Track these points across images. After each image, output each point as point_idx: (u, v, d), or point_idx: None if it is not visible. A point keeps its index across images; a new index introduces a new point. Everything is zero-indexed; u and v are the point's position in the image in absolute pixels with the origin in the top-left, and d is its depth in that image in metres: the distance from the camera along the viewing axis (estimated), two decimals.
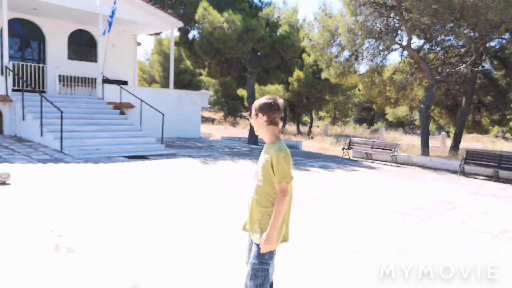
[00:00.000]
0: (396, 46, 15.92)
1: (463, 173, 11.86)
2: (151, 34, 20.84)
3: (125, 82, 17.35)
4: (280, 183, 2.41)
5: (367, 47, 16.06)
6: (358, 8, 14.63)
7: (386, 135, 28.48)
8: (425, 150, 15.11)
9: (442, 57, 17.83)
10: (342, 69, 16.42)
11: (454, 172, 12.21)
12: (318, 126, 38.72)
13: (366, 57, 16.32)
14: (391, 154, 13.57)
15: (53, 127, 11.39)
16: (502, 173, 11.32)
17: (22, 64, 13.95)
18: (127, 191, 7.09)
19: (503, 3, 12.01)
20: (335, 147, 20.10)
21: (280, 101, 2.54)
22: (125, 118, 14.21)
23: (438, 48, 17.67)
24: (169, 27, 17.08)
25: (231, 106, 39.28)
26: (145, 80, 40.17)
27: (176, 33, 18.35)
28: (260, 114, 2.53)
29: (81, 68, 15.97)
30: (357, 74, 17.05)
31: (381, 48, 15.94)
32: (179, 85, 31.48)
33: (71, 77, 15.36)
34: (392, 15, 15.11)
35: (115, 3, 13.29)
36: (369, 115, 45.86)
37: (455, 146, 17.58)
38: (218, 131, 26.69)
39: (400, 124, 39.46)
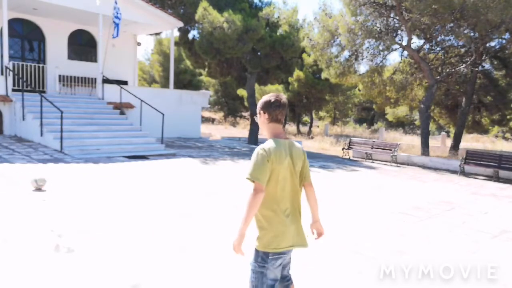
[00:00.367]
0: (396, 46, 15.93)
1: (463, 173, 11.86)
2: (151, 34, 20.84)
3: (125, 82, 17.35)
4: (247, 179, 2.33)
5: (367, 47, 16.07)
6: (358, 8, 14.63)
7: (386, 135, 28.48)
8: (425, 150, 15.11)
9: (442, 57, 17.83)
10: (342, 69, 16.42)
11: (454, 172, 12.21)
12: (318, 126, 38.72)
13: (366, 57, 16.32)
14: (391, 154, 13.57)
15: (53, 127, 11.38)
16: (502, 173, 11.32)
17: (22, 64, 13.95)
18: (127, 191, 7.09)
19: (503, 3, 12.01)
20: (335, 147, 20.09)
21: (282, 98, 2.48)
22: (125, 118, 14.21)
23: (438, 48, 17.67)
24: (169, 27, 17.08)
25: (231, 106, 39.27)
26: (145, 80, 40.17)
27: (176, 33, 18.35)
28: (261, 112, 2.50)
29: (81, 68, 15.96)
30: (357, 74, 17.05)
31: (381, 48, 15.94)
32: (179, 85, 31.47)
33: (71, 77, 15.35)
34: (392, 15, 15.11)
35: (116, 3, 13.30)
36: (369, 115, 45.85)
37: (455, 146, 17.58)
38: (218, 131, 26.68)
39: (400, 124, 39.45)
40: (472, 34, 15.18)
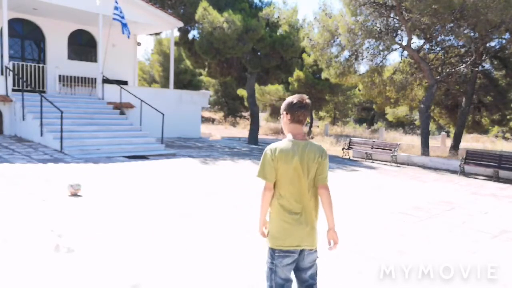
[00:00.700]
0: (396, 46, 15.92)
1: (463, 173, 11.86)
2: (151, 34, 20.84)
3: (125, 82, 17.35)
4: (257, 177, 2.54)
5: (367, 47, 16.06)
6: (358, 8, 14.62)
7: (386, 135, 28.46)
8: (425, 150, 15.10)
9: (442, 57, 17.83)
10: (342, 69, 16.41)
11: (454, 172, 12.20)
12: (318, 126, 38.68)
13: (366, 57, 16.31)
14: (391, 154, 13.57)
15: (53, 127, 11.38)
16: (502, 173, 11.31)
17: (22, 64, 13.94)
18: (127, 191, 7.08)
19: (503, 3, 12.01)
20: (335, 147, 20.09)
21: (304, 99, 2.53)
22: (125, 118, 14.21)
23: (438, 48, 17.66)
24: (169, 27, 17.08)
25: (231, 106, 39.23)
26: (145, 80, 40.15)
27: (176, 33, 18.34)
28: (284, 113, 2.58)
29: (81, 68, 15.96)
30: (357, 74, 17.04)
31: (381, 48, 15.94)
32: (179, 85, 31.45)
33: (71, 77, 15.35)
34: (392, 15, 15.11)
35: (116, 2, 13.30)
36: (369, 115, 45.81)
37: (455, 146, 17.57)
38: (218, 131, 26.67)
39: (400, 124, 39.41)
40: (472, 34, 15.17)
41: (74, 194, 6.44)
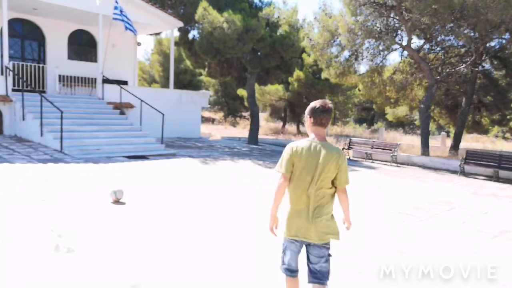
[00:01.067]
0: (396, 46, 15.92)
1: (463, 173, 11.86)
2: (151, 34, 20.84)
3: (125, 82, 17.35)
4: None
5: (367, 47, 16.06)
6: (358, 8, 14.62)
7: (386, 135, 28.46)
8: (425, 150, 15.10)
9: (442, 57, 17.82)
10: (342, 69, 16.41)
11: (454, 172, 12.20)
12: None
13: (366, 57, 16.31)
14: (391, 154, 13.57)
15: (53, 127, 11.38)
16: (502, 173, 11.31)
17: (22, 64, 13.94)
18: (127, 191, 7.08)
19: (503, 3, 12.00)
20: None
21: (327, 104, 2.74)
22: (125, 118, 14.21)
23: (438, 48, 17.66)
24: (169, 27, 17.08)
25: (231, 106, 39.22)
26: (145, 80, 40.15)
27: (176, 33, 18.34)
28: (308, 116, 2.79)
29: (81, 68, 15.96)
30: (357, 74, 17.04)
31: (381, 48, 15.94)
32: (179, 85, 31.45)
33: (71, 77, 15.35)
34: (392, 15, 15.10)
35: (116, 2, 13.29)
36: (369, 115, 45.81)
37: (455, 146, 17.57)
38: (218, 131, 26.67)
39: (400, 124, 39.39)
40: (472, 34, 15.17)
41: (116, 201, 6.15)
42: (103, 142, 11.57)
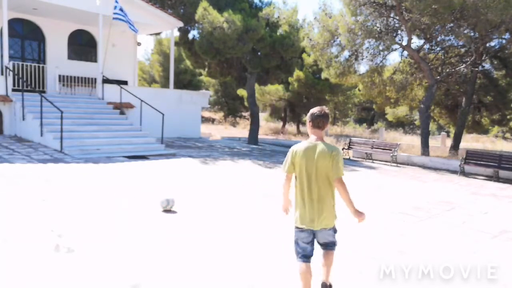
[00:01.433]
0: (396, 46, 15.92)
1: (463, 173, 11.85)
2: (151, 34, 20.83)
3: (125, 82, 17.34)
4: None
5: (367, 47, 16.06)
6: (358, 8, 14.62)
7: (386, 135, 28.46)
8: (425, 150, 15.10)
9: (442, 57, 17.82)
10: (342, 69, 16.41)
11: (454, 172, 12.20)
12: None
13: (366, 57, 16.31)
14: (391, 154, 13.57)
15: (53, 127, 11.38)
16: (502, 173, 11.31)
17: (22, 64, 13.94)
18: (127, 191, 7.08)
19: (503, 3, 12.00)
20: None
21: (323, 110, 3.16)
22: (125, 118, 14.20)
23: (438, 48, 17.66)
24: (169, 27, 17.08)
25: (231, 106, 39.22)
26: (145, 80, 40.15)
27: (176, 33, 18.34)
28: (307, 120, 3.23)
29: (81, 68, 15.95)
30: (357, 74, 17.04)
31: (381, 48, 15.94)
32: (179, 85, 31.45)
33: (71, 77, 15.34)
34: (392, 15, 15.10)
35: (117, 2, 13.29)
36: (369, 115, 45.80)
37: (455, 146, 17.57)
38: (218, 131, 26.67)
39: (400, 124, 39.38)
40: (472, 34, 15.17)
41: (168, 211, 5.88)
42: (103, 142, 11.57)
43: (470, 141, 28.59)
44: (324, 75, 18.10)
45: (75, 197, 6.39)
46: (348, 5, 14.64)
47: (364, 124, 42.97)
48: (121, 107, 14.60)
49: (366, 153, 14.66)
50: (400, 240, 5.06)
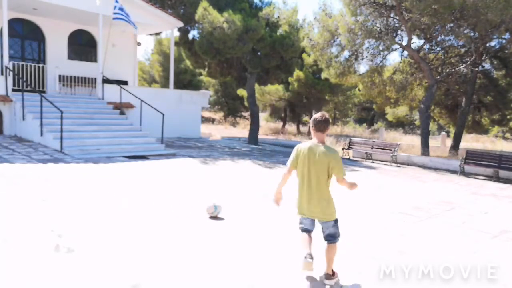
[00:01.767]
0: (396, 46, 15.92)
1: (463, 173, 11.86)
2: (151, 34, 20.83)
3: (125, 82, 17.34)
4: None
5: (367, 47, 16.06)
6: (358, 8, 14.62)
7: (386, 135, 28.47)
8: (425, 150, 15.10)
9: (442, 57, 17.83)
10: (342, 69, 16.41)
11: (454, 172, 12.20)
12: None
13: (366, 57, 16.31)
14: (391, 154, 13.57)
15: (53, 127, 11.38)
16: (502, 173, 11.32)
17: (22, 64, 13.94)
18: (127, 191, 7.09)
19: (503, 3, 12.01)
20: (335, 147, 20.09)
21: (324, 116, 3.57)
22: (125, 118, 14.21)
23: (438, 48, 17.66)
24: (169, 27, 17.08)
25: (231, 106, 39.24)
26: (145, 80, 40.16)
27: (176, 33, 18.34)
28: (310, 125, 3.65)
29: (81, 68, 15.95)
30: (357, 74, 17.04)
31: (381, 48, 15.94)
32: (179, 85, 31.46)
33: (71, 77, 15.35)
34: (392, 15, 15.10)
35: (116, 1, 13.29)
36: (369, 115, 45.82)
37: (455, 146, 17.58)
38: (218, 131, 26.68)
39: (400, 124, 39.41)
40: (472, 34, 15.18)
41: (214, 217, 5.59)
42: (103, 142, 11.57)
43: (470, 141, 28.60)
44: (324, 75, 18.10)
45: (75, 197, 6.40)
46: (348, 5, 14.64)
47: (364, 124, 42.99)
48: (121, 107, 14.60)
49: (366, 153, 14.66)
50: (400, 240, 5.06)
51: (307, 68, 27.78)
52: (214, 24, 15.28)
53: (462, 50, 17.74)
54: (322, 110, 36.73)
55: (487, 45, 16.40)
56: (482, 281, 3.78)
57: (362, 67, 22.24)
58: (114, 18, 13.41)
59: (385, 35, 14.99)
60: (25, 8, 13.98)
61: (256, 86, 23.69)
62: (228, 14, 15.35)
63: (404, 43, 15.68)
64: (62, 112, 10.83)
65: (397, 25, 15.57)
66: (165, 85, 32.67)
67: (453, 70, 17.03)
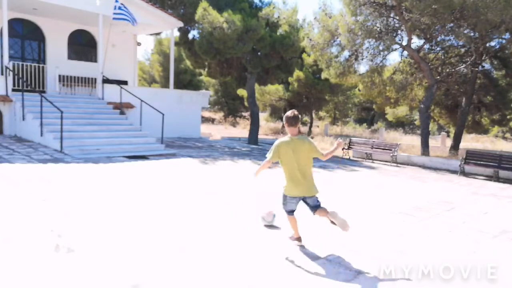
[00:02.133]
0: (396, 46, 15.92)
1: (463, 173, 11.86)
2: (151, 34, 20.83)
3: (125, 82, 17.35)
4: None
5: (367, 47, 16.06)
6: (358, 8, 14.62)
7: (386, 135, 28.48)
8: (425, 150, 15.10)
9: (442, 57, 17.83)
10: (342, 69, 16.41)
11: (454, 172, 12.21)
12: (318, 126, 38.71)
13: (366, 57, 16.31)
14: (391, 154, 13.57)
15: (53, 127, 11.38)
16: (502, 173, 11.32)
17: (22, 64, 13.94)
18: (127, 191, 7.09)
19: (503, 3, 12.01)
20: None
21: (293, 113, 4.18)
22: (125, 118, 14.21)
23: (438, 48, 17.67)
24: (169, 27, 17.08)
25: (231, 106, 39.25)
26: (145, 80, 40.16)
27: (176, 33, 18.34)
28: (284, 122, 4.31)
29: (81, 68, 15.96)
30: (357, 74, 17.04)
31: (381, 48, 15.93)
32: (179, 85, 31.46)
33: (71, 77, 15.35)
34: (392, 15, 15.10)
35: (116, 1, 13.29)
36: (369, 115, 45.82)
37: (455, 146, 17.58)
38: (218, 131, 26.68)
39: (400, 124, 39.42)
40: (472, 34, 15.17)
41: (269, 226, 5.30)
42: (103, 142, 11.57)
43: (470, 141, 28.62)
44: (324, 75, 18.10)
45: (75, 197, 6.40)
46: (348, 5, 14.64)
47: (364, 124, 42.99)
48: (121, 107, 14.60)
49: (366, 153, 14.66)
50: (400, 240, 5.06)
51: (307, 68, 27.78)
52: (214, 24, 15.29)
53: (462, 50, 17.74)
54: (322, 110, 36.86)
55: (487, 45, 16.40)
56: (482, 281, 3.78)
57: (362, 67, 22.27)
58: (114, 18, 13.41)
59: (385, 35, 14.98)
60: (25, 8, 13.99)
61: (256, 86, 23.69)
62: (228, 14, 15.35)
63: (404, 43, 15.69)
64: (62, 112, 10.83)
65: (397, 25, 15.57)
66: (165, 85, 32.67)
67: (453, 70, 17.04)
